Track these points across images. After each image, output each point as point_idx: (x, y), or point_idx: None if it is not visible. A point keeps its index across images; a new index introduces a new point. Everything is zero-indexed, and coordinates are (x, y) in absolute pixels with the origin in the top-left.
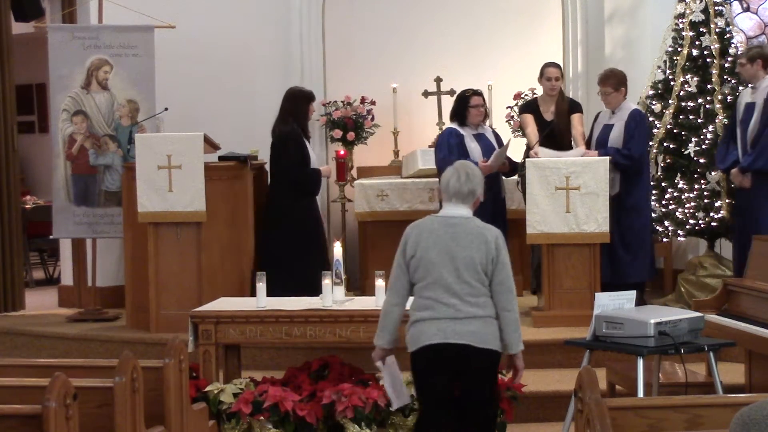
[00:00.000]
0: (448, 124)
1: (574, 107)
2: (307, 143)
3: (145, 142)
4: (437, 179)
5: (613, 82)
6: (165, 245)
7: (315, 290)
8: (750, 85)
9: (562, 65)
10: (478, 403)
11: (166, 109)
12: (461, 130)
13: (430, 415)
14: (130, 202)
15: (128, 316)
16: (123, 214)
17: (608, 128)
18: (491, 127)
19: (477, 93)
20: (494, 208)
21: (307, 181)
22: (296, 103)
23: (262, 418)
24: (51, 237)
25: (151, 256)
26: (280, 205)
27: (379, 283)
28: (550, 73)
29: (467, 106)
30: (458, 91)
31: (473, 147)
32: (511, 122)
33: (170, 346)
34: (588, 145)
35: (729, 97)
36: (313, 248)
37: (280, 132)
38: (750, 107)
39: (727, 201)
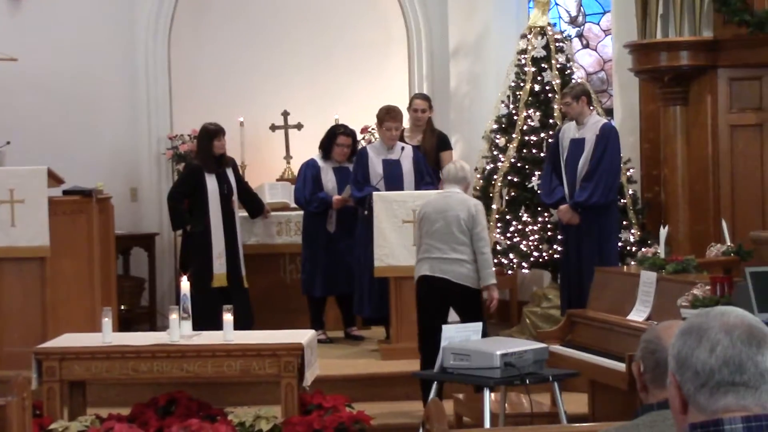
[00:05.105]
0: (314, 153)
1: (444, 144)
2: (206, 177)
3: None
4: (288, 212)
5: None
6: (8, 281)
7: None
8: (575, 122)
9: (408, 99)
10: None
11: (8, 142)
12: (321, 162)
13: (424, 333)
14: None
15: None
16: None
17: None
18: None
19: (347, 133)
20: (351, 240)
21: (170, 211)
22: (199, 140)
23: None
24: None
25: None
26: None
27: (227, 317)
28: (417, 104)
29: (333, 142)
30: (305, 125)
31: (329, 179)
32: None
33: (13, 384)
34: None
35: None
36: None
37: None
38: (577, 143)
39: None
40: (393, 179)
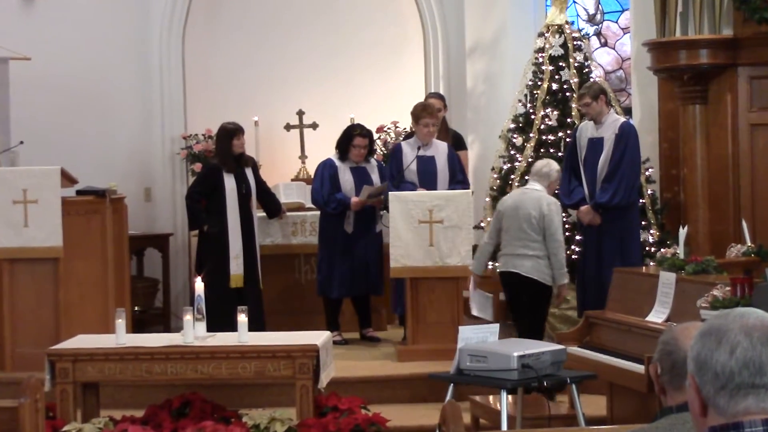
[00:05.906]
0: (329, 153)
1: (459, 143)
2: (225, 177)
3: (0, 176)
4: (303, 212)
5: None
6: (21, 281)
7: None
8: (592, 121)
9: (423, 98)
10: (526, 313)
11: (21, 142)
12: (338, 162)
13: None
14: None
15: None
16: None
17: (431, 160)
18: (378, 161)
19: (363, 134)
20: (369, 241)
21: (188, 211)
22: (218, 139)
23: None
24: None
25: (5, 293)
26: None
27: (242, 318)
28: (431, 104)
29: (349, 143)
30: (320, 124)
31: (346, 179)
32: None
33: (26, 385)
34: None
35: None
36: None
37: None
38: (595, 143)
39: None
40: (427, 175)
